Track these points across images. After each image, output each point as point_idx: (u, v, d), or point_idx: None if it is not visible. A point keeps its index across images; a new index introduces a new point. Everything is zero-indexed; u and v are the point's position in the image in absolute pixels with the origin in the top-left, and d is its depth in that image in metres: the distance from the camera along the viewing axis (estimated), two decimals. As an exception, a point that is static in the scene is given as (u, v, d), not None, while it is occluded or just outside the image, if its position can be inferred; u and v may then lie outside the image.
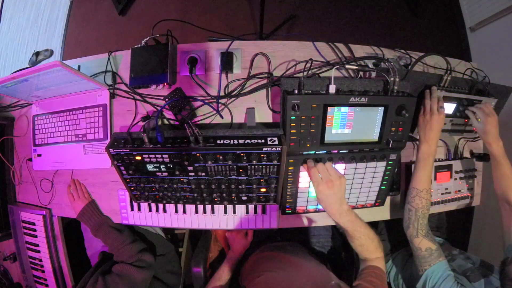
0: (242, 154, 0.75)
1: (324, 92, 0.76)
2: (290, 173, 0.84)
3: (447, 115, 0.92)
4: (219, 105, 0.90)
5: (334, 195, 0.75)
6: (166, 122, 0.93)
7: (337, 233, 1.16)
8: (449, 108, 0.92)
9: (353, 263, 1.02)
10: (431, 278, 0.79)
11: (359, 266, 0.83)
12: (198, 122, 0.92)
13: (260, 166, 0.78)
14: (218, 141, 0.75)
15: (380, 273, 0.77)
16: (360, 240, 0.78)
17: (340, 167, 0.85)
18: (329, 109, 0.75)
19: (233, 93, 0.91)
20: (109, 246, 0.96)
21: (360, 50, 0.95)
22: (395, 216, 1.02)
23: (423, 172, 0.85)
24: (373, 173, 0.88)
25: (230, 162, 0.77)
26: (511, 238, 0.84)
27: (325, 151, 0.82)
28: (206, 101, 0.89)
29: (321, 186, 0.75)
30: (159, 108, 0.91)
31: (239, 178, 0.82)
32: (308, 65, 0.78)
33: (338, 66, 0.82)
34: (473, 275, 0.84)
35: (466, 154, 1.08)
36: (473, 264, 0.90)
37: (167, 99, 0.91)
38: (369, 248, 0.79)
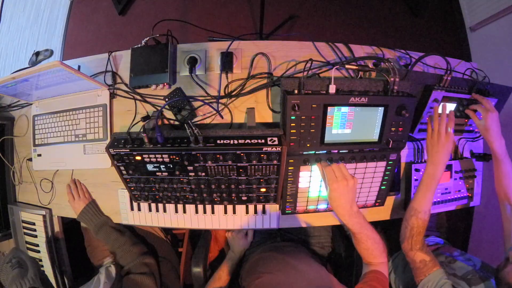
0: (242, 154, 0.75)
1: (324, 92, 0.76)
2: (290, 173, 0.84)
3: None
4: (219, 105, 0.90)
5: (347, 195, 0.75)
6: (166, 122, 0.93)
7: (338, 234, 1.15)
8: (449, 108, 0.91)
9: (353, 264, 1.02)
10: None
11: (359, 267, 0.83)
12: (198, 122, 0.92)
13: (260, 166, 0.78)
14: (218, 141, 0.75)
15: (382, 279, 0.76)
16: (366, 244, 0.78)
17: (340, 167, 0.84)
18: (329, 109, 0.75)
19: (233, 93, 0.91)
20: (109, 247, 0.96)
21: (360, 50, 0.95)
22: (395, 216, 1.02)
23: (425, 194, 0.84)
24: (373, 173, 0.88)
25: (230, 162, 0.77)
26: (511, 242, 0.84)
27: (325, 151, 0.82)
28: (206, 101, 0.89)
29: (335, 184, 0.75)
30: (159, 108, 0.91)
31: (239, 178, 0.82)
32: (308, 65, 0.78)
33: (338, 66, 0.82)
34: (473, 278, 0.83)
35: (466, 154, 1.08)
36: (474, 266, 0.90)
37: (167, 99, 0.91)
38: (374, 252, 0.79)
